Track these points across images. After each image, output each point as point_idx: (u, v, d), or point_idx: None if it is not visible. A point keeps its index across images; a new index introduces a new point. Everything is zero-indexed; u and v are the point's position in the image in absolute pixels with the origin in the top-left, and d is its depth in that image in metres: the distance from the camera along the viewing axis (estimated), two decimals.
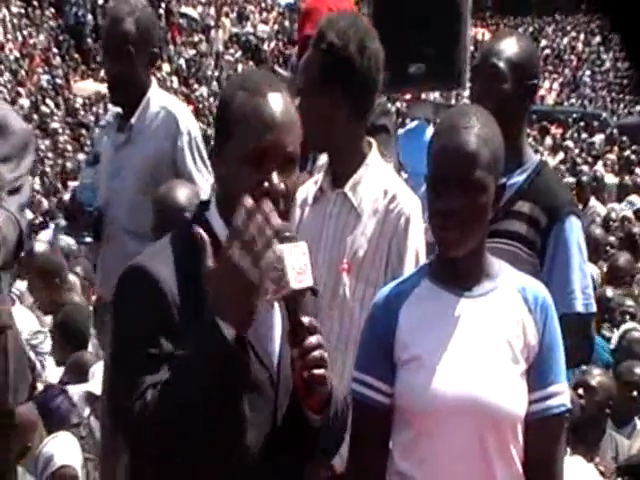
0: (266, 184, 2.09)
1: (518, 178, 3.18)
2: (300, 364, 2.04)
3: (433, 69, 5.05)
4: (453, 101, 5.91)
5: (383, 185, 3.05)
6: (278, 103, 2.14)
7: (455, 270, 2.45)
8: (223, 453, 2.03)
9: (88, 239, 4.24)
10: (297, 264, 2.01)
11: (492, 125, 2.47)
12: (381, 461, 2.44)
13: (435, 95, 6.18)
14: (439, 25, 5.06)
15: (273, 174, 2.10)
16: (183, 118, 4.09)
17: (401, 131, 5.64)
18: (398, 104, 15.36)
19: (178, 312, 2.05)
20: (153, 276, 2.05)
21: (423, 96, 5.82)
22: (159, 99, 4.09)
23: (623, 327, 6.31)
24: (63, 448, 4.12)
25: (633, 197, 11.97)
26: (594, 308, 3.17)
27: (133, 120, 4.05)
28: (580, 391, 4.75)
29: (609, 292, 6.77)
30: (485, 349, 2.40)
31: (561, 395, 2.43)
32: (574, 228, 3.14)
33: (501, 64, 3.17)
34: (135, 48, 3.96)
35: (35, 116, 20.26)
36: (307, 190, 3.15)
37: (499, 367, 2.39)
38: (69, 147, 17.70)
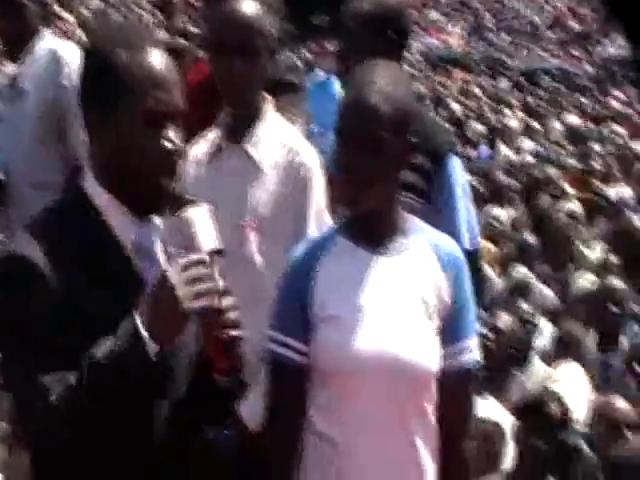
0: (168, 144, 2.02)
1: None
2: (215, 326, 2.01)
3: (336, 19, 5.02)
4: None
5: (283, 139, 3.04)
6: (164, 59, 2.05)
7: (368, 227, 2.46)
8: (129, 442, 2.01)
9: None
10: (205, 227, 2.00)
11: (400, 81, 2.47)
12: (299, 421, 2.44)
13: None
14: None
15: (170, 133, 2.03)
16: (66, 55, 3.98)
17: (310, 84, 5.63)
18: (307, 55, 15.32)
19: (57, 295, 1.96)
20: (29, 263, 1.96)
21: (331, 49, 5.80)
22: (46, 44, 4.01)
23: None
24: None
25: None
26: (479, 244, 3.28)
27: (19, 70, 3.99)
28: (489, 334, 4.89)
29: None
30: (401, 307, 2.42)
31: (472, 349, 2.48)
32: (455, 167, 3.21)
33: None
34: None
35: None
36: (199, 148, 3.09)
37: (414, 325, 2.42)
38: None
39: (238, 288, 2.89)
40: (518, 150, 11.75)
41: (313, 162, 3.03)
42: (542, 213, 7.53)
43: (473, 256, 3.18)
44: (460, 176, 3.22)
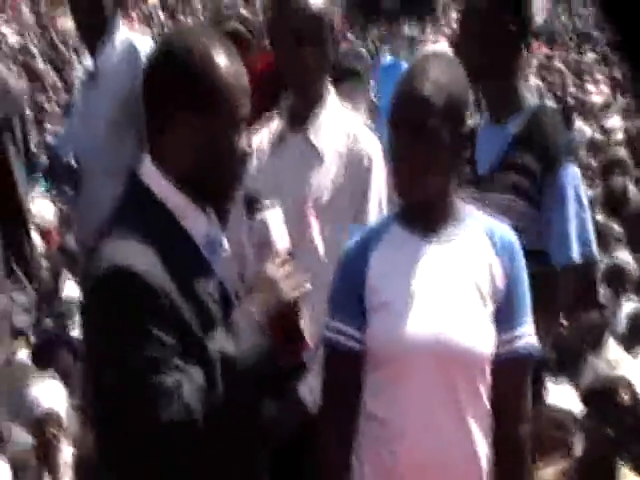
0: (246, 147, 2.15)
1: (514, 126, 3.12)
2: (289, 315, 2.16)
3: (406, 1, 5.02)
4: (430, 36, 5.88)
5: (344, 127, 3.08)
6: (241, 66, 2.17)
7: (422, 215, 2.48)
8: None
9: (68, 190, 4.25)
10: (278, 228, 2.16)
11: (453, 71, 2.48)
12: (353, 405, 2.49)
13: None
14: None
15: (245, 136, 2.16)
16: (142, 47, 4.05)
17: (380, 66, 5.63)
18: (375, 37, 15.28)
19: (173, 305, 2.04)
20: (140, 276, 2.01)
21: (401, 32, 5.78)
22: (123, 37, 4.09)
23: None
24: (49, 393, 4.15)
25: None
26: (594, 255, 3.10)
27: (97, 62, 4.07)
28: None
29: (598, 217, 6.80)
30: (453, 292, 2.44)
31: (528, 335, 2.48)
32: (569, 176, 3.05)
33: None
34: None
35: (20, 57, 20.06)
36: (261, 136, 3.15)
37: (467, 310, 2.44)
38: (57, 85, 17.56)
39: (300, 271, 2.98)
40: (602, 128, 11.52)
41: (374, 149, 3.06)
42: (618, 194, 7.37)
43: (584, 270, 3.07)
44: (574, 185, 3.04)
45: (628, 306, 5.82)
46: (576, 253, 3.03)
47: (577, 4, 26.40)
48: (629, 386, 3.88)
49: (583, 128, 11.15)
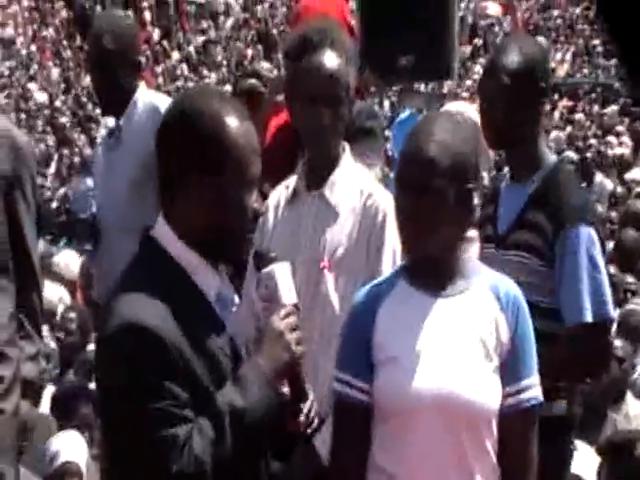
0: (256, 205, 2.23)
1: (531, 185, 3.16)
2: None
3: (422, 61, 5.10)
4: (445, 90, 5.95)
5: (358, 184, 3.15)
6: (251, 126, 2.25)
7: (428, 271, 2.53)
8: None
9: (88, 247, 4.32)
10: (285, 282, 2.20)
11: (458, 131, 2.53)
12: (362, 457, 2.52)
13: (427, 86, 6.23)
14: (427, 16, 5.09)
15: (255, 196, 2.23)
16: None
17: (396, 122, 5.70)
18: (392, 97, 15.38)
19: (183, 358, 2.10)
20: (151, 330, 2.07)
21: (415, 86, 5.89)
22: (146, 98, 4.18)
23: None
24: (69, 444, 4.20)
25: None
26: (609, 315, 3.09)
27: (121, 122, 4.15)
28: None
29: (611, 269, 6.79)
30: (459, 347, 2.48)
31: (533, 388, 2.51)
32: (581, 236, 3.05)
33: (504, 78, 3.14)
34: (116, 62, 4.06)
35: (46, 111, 20.38)
36: (278, 194, 3.23)
37: (473, 364, 2.47)
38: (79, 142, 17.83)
39: (316, 327, 3.04)
40: (623, 181, 11.50)
41: (388, 204, 3.11)
42: (629, 247, 7.35)
43: (596, 329, 3.06)
44: (587, 246, 3.04)
45: None
46: (588, 313, 3.03)
47: (598, 55, 26.46)
48: None
49: (604, 181, 11.14)
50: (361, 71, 4.48)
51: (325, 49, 3.11)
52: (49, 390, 4.95)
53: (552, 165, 3.21)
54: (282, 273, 2.21)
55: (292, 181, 3.22)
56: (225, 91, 2.58)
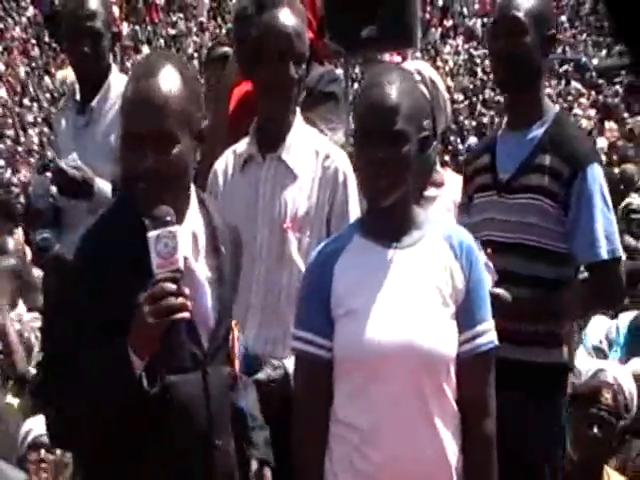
0: (141, 165, 2.24)
1: (538, 131, 3.21)
2: None
3: (385, 30, 5.12)
4: (409, 60, 5.96)
5: (313, 146, 3.18)
6: (151, 84, 2.26)
7: (384, 222, 2.56)
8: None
9: (46, 235, 4.27)
10: (164, 250, 2.20)
11: (412, 81, 2.62)
12: (325, 413, 2.55)
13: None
14: None
15: (146, 154, 2.23)
16: None
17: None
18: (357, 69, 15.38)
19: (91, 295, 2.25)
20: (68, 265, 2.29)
21: (378, 56, 5.89)
22: (120, 83, 4.18)
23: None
24: (40, 423, 4.17)
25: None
26: (620, 253, 3.16)
27: (94, 103, 4.14)
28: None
29: None
30: (416, 296, 2.53)
31: (488, 333, 2.56)
32: (596, 176, 3.13)
33: (522, 16, 3.17)
34: (103, 26, 4.06)
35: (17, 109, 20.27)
36: (226, 160, 3.25)
37: (430, 312, 2.52)
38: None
39: (282, 287, 3.08)
40: None
41: (347, 164, 3.16)
42: None
43: (611, 266, 3.13)
44: (600, 185, 3.13)
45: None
46: (604, 250, 3.12)
47: (565, 31, 26.59)
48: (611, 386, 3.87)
49: None
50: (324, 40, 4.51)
51: (284, 8, 3.17)
52: None
53: (556, 112, 3.28)
54: (181, 236, 2.23)
55: (241, 146, 3.24)
56: (174, 55, 2.64)
